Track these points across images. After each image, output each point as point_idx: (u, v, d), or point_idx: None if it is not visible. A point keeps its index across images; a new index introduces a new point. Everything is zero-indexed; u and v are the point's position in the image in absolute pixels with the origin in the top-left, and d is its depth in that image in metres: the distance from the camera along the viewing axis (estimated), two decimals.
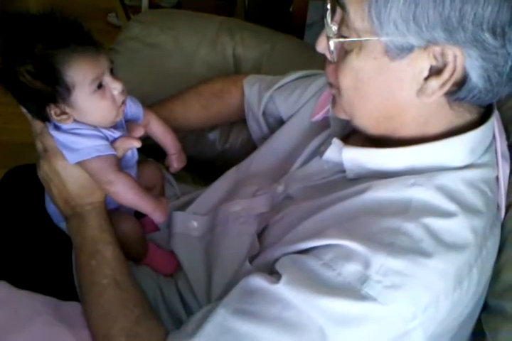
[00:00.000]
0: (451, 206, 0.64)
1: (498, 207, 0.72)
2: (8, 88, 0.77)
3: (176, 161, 0.95)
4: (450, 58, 0.60)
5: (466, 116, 0.68)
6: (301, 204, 0.76)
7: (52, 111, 0.77)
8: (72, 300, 0.88)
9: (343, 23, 0.64)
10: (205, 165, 1.27)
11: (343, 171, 0.75)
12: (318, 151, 0.84)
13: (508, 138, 0.77)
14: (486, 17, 0.56)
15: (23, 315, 0.84)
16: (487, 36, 0.57)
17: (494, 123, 0.72)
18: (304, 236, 0.68)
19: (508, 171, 0.74)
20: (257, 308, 0.64)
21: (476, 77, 0.61)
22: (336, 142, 0.76)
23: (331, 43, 0.65)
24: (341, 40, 0.64)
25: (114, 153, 0.80)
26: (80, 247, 0.81)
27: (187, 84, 1.17)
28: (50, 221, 0.94)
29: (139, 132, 0.86)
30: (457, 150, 0.68)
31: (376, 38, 0.61)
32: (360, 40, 0.63)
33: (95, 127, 0.80)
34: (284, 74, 1.09)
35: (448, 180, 0.66)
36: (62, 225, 0.90)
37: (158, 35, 1.29)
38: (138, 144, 0.82)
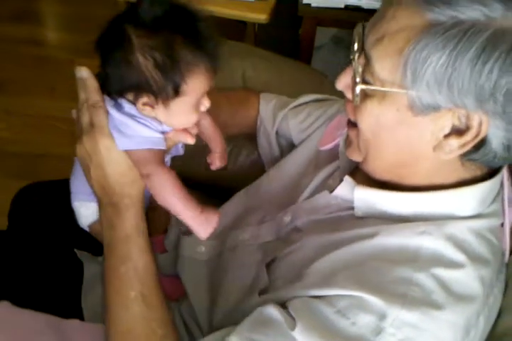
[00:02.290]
0: (459, 256, 0.65)
1: (503, 253, 0.73)
2: (110, 47, 0.71)
3: (219, 159, 0.91)
4: (475, 123, 0.61)
5: (477, 172, 0.70)
6: (310, 240, 0.77)
7: (145, 99, 0.73)
8: (74, 318, 0.90)
9: (366, 68, 0.65)
10: (214, 187, 1.29)
11: (351, 208, 0.75)
12: (326, 184, 0.85)
13: None
14: None
15: (25, 335, 0.85)
16: None
17: (503, 171, 0.73)
18: (315, 280, 0.69)
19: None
20: (270, 340, 0.65)
21: (495, 144, 0.63)
22: (348, 180, 0.77)
23: (358, 88, 0.65)
24: (369, 87, 0.65)
25: (164, 148, 0.77)
26: (111, 246, 0.77)
27: None
28: (60, 240, 0.96)
29: (194, 130, 0.81)
30: (467, 200, 0.69)
31: (404, 91, 0.62)
32: (388, 91, 0.63)
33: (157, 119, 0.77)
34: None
35: (457, 229, 0.67)
36: (77, 204, 0.88)
37: None
38: (192, 141, 0.79)
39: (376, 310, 0.62)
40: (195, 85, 0.73)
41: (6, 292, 0.93)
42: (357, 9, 1.51)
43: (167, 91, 0.72)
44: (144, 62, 0.70)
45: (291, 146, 1.06)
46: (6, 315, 0.87)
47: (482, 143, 0.63)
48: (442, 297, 0.63)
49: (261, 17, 1.58)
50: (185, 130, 0.79)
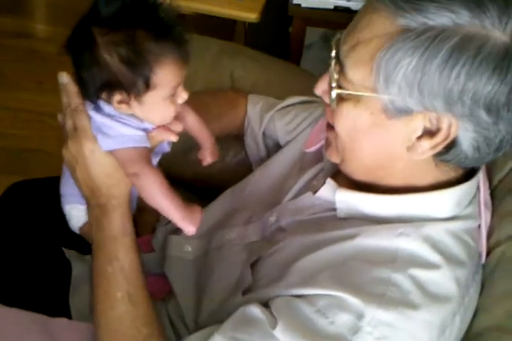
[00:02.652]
0: (435, 257, 0.67)
1: (480, 254, 0.75)
2: (78, 51, 0.72)
3: (209, 155, 0.92)
4: (445, 125, 0.63)
5: (451, 174, 0.72)
6: (293, 240, 0.79)
7: (119, 97, 0.74)
8: (62, 316, 0.91)
9: (341, 74, 0.67)
10: (201, 185, 1.30)
11: (334, 209, 0.78)
12: (311, 185, 0.87)
13: (490, 185, 0.81)
14: (484, 95, 0.60)
15: (12, 333, 0.86)
16: (482, 113, 0.61)
17: (480, 174, 0.75)
18: (297, 280, 0.71)
19: (489, 219, 0.77)
20: (253, 339, 0.67)
21: (466, 146, 0.65)
22: (330, 183, 0.79)
23: (333, 93, 0.68)
24: (344, 91, 0.67)
25: (148, 145, 0.78)
26: (99, 246, 0.79)
27: None
28: (48, 238, 0.97)
29: (178, 127, 0.82)
30: (444, 202, 0.71)
31: (377, 95, 0.64)
32: (362, 95, 0.66)
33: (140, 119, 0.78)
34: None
35: (434, 231, 0.69)
36: (68, 207, 0.89)
37: None
38: (175, 138, 0.80)
39: (354, 309, 0.64)
40: (166, 76, 0.73)
41: None
42: (346, 10, 1.52)
43: (138, 85, 0.72)
44: (110, 58, 0.70)
45: (278, 147, 1.08)
46: None
47: (453, 145, 0.65)
48: (419, 297, 0.65)
49: (251, 16, 1.59)
50: (168, 128, 0.80)
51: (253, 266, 0.82)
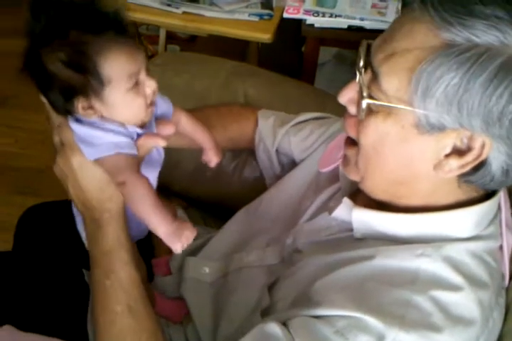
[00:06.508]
0: (457, 279, 0.66)
1: (503, 276, 0.74)
2: (32, 76, 0.72)
3: (214, 156, 0.90)
4: (477, 145, 0.62)
5: (473, 194, 0.71)
6: (310, 261, 0.78)
7: (80, 104, 0.72)
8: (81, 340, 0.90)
9: (373, 84, 0.65)
10: (215, 205, 1.30)
11: (351, 229, 0.76)
12: (327, 206, 0.85)
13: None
14: None
15: None
16: None
17: (501, 193, 0.73)
18: (315, 301, 0.70)
19: (511, 241, 0.76)
20: None
21: (495, 168, 0.64)
22: (346, 202, 0.78)
23: (364, 103, 0.65)
24: (376, 102, 0.64)
25: (135, 153, 0.75)
26: (95, 260, 0.78)
27: None
28: (67, 261, 0.96)
29: (169, 130, 0.80)
30: (463, 222, 0.70)
31: (412, 109, 0.62)
32: (395, 107, 0.64)
33: (121, 123, 0.75)
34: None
35: (454, 251, 0.68)
36: (81, 228, 0.87)
37: (172, 78, 1.33)
38: (163, 143, 0.77)
39: (375, 331, 0.63)
40: (115, 67, 0.70)
41: (12, 314, 0.94)
42: (360, 29, 1.53)
43: (91, 84, 0.70)
44: (55, 67, 0.69)
45: (293, 164, 1.06)
46: (8, 339, 0.87)
47: (481, 166, 0.64)
48: (440, 319, 0.63)
49: (264, 36, 1.60)
50: (155, 133, 0.78)
51: (271, 288, 0.81)
